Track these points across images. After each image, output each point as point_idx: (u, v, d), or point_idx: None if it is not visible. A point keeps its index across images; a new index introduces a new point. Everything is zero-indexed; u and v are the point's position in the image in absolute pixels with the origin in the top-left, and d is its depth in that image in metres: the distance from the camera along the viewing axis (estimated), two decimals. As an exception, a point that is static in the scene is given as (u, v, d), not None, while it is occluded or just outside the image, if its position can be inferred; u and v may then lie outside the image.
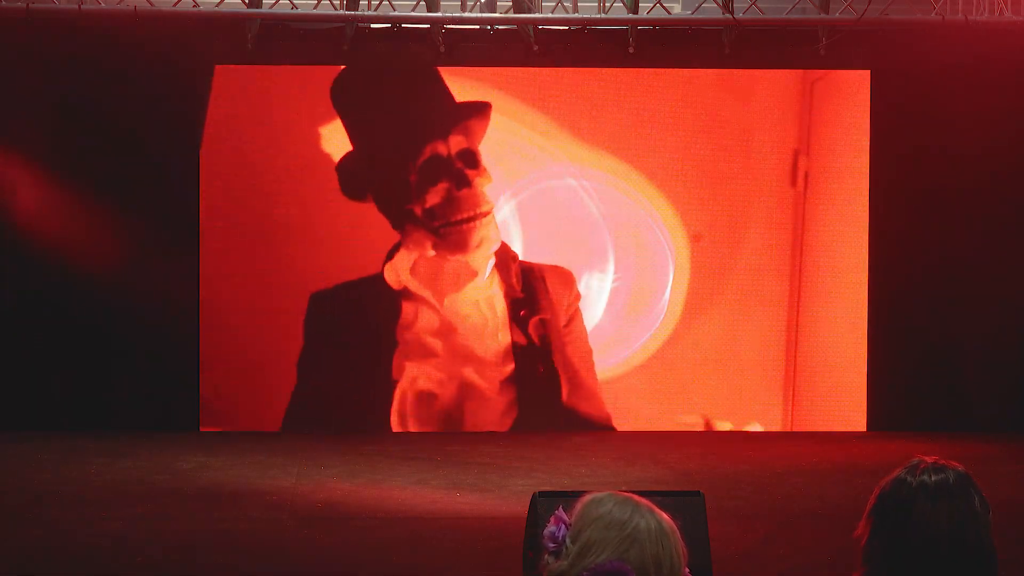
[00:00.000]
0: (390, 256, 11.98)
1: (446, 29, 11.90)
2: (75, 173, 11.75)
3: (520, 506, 7.96)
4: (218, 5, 11.42)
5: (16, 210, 11.73)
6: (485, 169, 11.99)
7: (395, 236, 11.98)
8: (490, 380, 12.02)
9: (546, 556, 2.88)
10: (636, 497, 2.92)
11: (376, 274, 11.99)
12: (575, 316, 12.08)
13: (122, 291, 11.76)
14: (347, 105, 11.97)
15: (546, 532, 2.88)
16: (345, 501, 9.48)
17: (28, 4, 11.10)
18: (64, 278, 11.73)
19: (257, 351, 11.97)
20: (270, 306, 11.95)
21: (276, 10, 11.63)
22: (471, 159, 11.98)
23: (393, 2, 11.71)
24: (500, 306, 12.00)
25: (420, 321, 11.96)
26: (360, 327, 12.02)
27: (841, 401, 12.24)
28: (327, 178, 11.98)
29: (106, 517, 8.94)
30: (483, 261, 12.00)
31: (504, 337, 12.01)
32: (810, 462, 10.92)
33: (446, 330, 11.98)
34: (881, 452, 11.06)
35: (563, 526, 2.88)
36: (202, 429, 11.87)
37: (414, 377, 11.98)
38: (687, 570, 2.89)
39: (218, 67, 11.90)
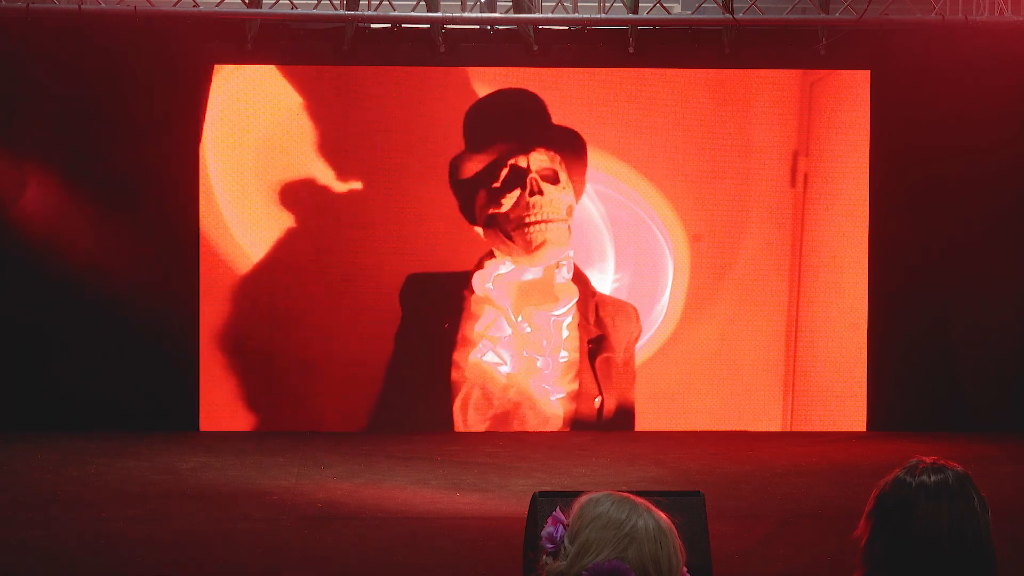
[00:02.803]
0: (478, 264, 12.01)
1: (446, 29, 11.90)
2: (75, 173, 11.74)
3: (520, 506, 7.96)
4: (218, 5, 11.42)
5: (16, 210, 11.73)
6: (564, 185, 11.97)
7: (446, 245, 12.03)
8: (546, 397, 11.99)
9: (544, 557, 2.87)
10: (634, 497, 2.91)
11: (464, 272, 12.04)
12: (629, 350, 12.09)
13: (122, 291, 11.75)
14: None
15: (544, 533, 2.87)
16: (345, 501, 9.47)
17: (28, 4, 11.09)
18: (64, 278, 11.72)
19: (259, 350, 11.97)
20: (271, 305, 11.95)
21: (276, 10, 11.63)
22: (551, 175, 11.97)
23: (393, 2, 11.71)
24: (570, 333, 11.98)
25: (493, 328, 11.95)
26: (435, 321, 12.04)
27: (841, 401, 12.23)
28: (327, 178, 11.97)
29: (106, 517, 8.94)
30: (544, 261, 11.96)
31: (567, 363, 11.99)
32: (810, 462, 10.91)
33: (516, 342, 11.96)
34: (881, 452, 11.05)
35: (561, 526, 2.87)
36: (202, 429, 11.87)
37: (474, 379, 11.97)
38: (685, 570, 2.89)
39: (218, 67, 11.90)
